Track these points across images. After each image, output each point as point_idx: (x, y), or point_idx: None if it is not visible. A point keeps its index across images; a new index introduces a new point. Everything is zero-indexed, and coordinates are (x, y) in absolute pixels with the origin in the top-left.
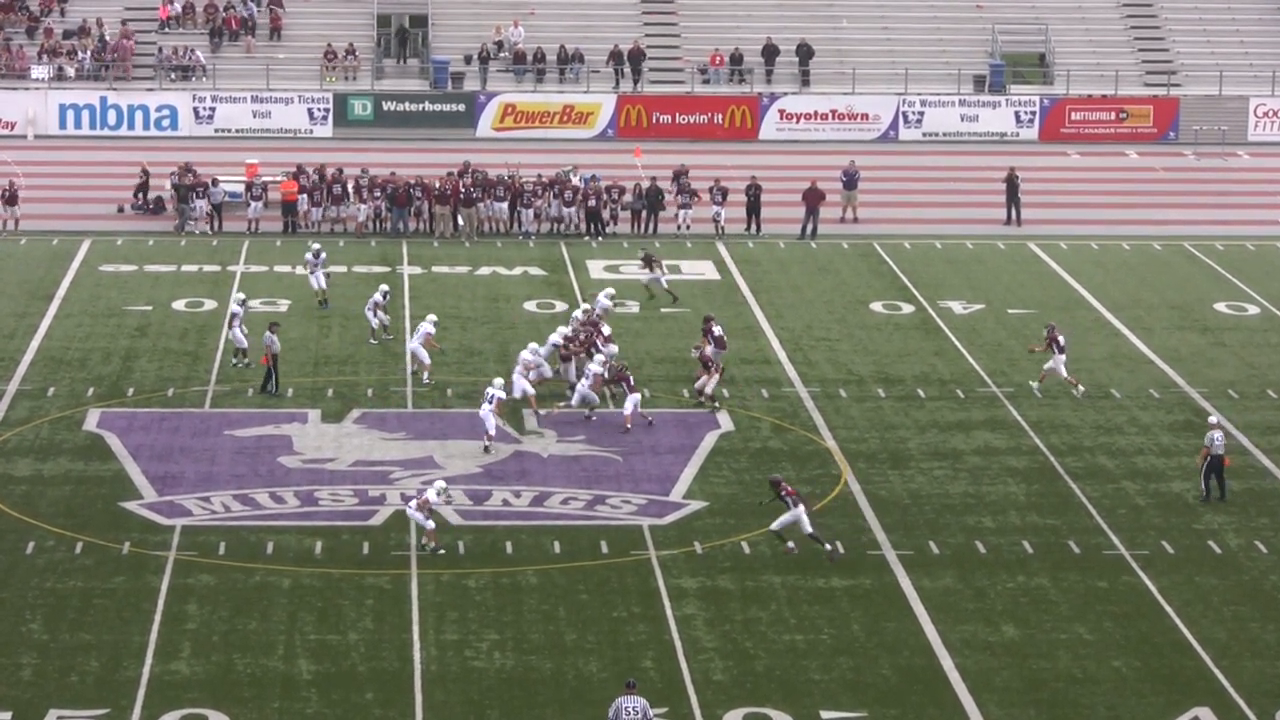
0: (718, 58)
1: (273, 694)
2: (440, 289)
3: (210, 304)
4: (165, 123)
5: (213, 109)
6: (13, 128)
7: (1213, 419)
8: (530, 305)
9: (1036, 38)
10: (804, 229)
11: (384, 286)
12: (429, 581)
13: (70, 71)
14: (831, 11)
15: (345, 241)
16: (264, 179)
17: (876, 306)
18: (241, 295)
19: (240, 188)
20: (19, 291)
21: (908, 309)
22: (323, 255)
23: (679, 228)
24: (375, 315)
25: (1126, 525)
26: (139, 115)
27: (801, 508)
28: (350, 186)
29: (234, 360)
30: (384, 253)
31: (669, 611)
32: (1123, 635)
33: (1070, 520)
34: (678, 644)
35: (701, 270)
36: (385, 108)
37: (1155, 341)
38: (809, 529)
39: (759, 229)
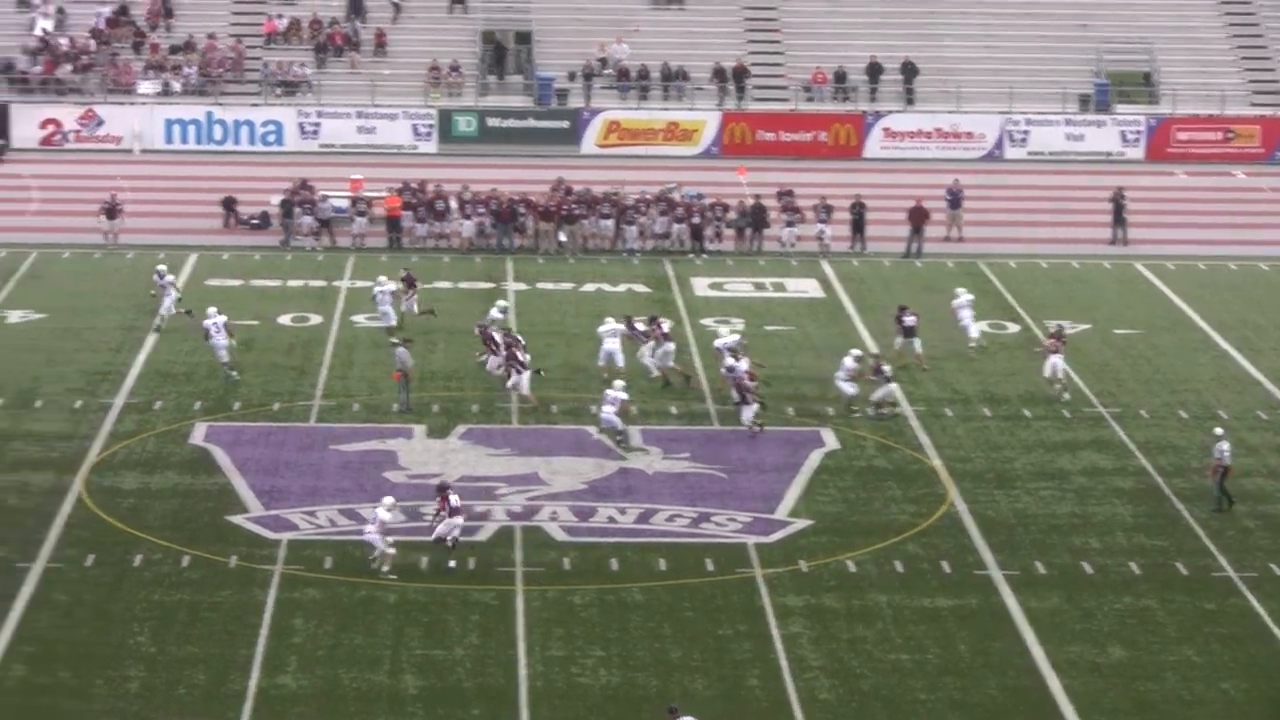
0: (821, 75)
1: (378, 709)
2: (545, 305)
3: (316, 319)
4: (271, 138)
5: (318, 124)
6: (119, 142)
7: (1219, 431)
8: (635, 322)
9: (1142, 57)
10: (909, 247)
11: (382, 279)
12: (535, 597)
13: (177, 86)
14: (936, 30)
15: (450, 258)
16: (368, 194)
17: (982, 325)
18: (214, 308)
19: (345, 203)
20: (126, 305)
21: (1013, 328)
22: (168, 277)
23: (783, 245)
24: (385, 304)
25: (1234, 547)
26: (244, 130)
27: (449, 520)
28: (454, 203)
29: (232, 375)
30: (488, 269)
31: (774, 630)
32: (1231, 658)
33: (1178, 541)
34: (783, 662)
35: (806, 288)
36: (489, 124)
37: (1263, 363)
38: (440, 536)
39: (864, 247)
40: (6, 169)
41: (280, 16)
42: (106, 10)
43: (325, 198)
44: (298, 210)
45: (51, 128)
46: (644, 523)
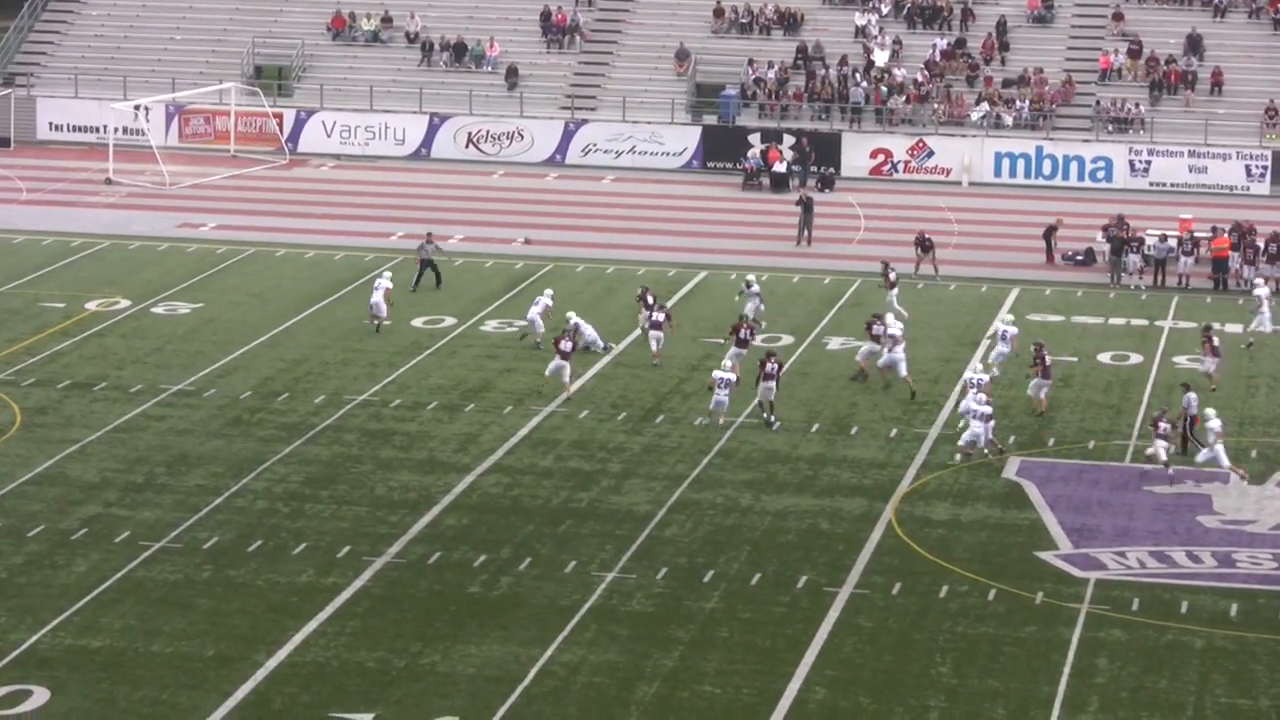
0: None
1: None
2: None
3: (1136, 358)
4: (1099, 174)
5: (1148, 162)
6: (948, 174)
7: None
8: None
9: None
10: None
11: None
12: None
13: (1008, 120)
14: None
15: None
16: (1195, 234)
17: None
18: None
19: (1173, 242)
20: (945, 336)
21: None
22: (755, 287)
23: None
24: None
25: None
26: (1073, 166)
27: None
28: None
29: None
30: None
31: None
32: None
33: None
34: None
35: None
36: None
37: None
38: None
39: None
40: (835, 197)
41: (1116, 52)
42: (942, 43)
43: (1164, 237)
44: (1126, 248)
45: (881, 157)
46: None
